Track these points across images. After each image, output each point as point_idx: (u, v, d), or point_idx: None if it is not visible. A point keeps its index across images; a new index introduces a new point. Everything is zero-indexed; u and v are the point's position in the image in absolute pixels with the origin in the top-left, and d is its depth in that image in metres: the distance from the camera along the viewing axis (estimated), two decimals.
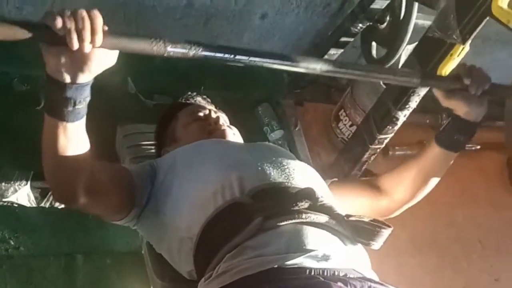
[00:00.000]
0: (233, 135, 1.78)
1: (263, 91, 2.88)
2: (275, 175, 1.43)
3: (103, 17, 1.00)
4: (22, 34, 0.96)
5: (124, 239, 2.19)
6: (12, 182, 1.97)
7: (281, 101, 2.83)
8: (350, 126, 2.67)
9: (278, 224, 1.27)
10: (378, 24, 2.29)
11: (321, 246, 1.25)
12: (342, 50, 2.50)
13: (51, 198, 2.02)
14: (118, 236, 2.19)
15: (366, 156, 2.19)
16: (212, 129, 1.75)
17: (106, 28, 1.01)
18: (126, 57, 2.70)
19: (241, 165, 1.46)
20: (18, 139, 2.19)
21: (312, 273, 1.16)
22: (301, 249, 1.22)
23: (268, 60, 1.27)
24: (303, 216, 1.30)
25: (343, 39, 2.46)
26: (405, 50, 2.14)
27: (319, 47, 2.67)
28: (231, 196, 1.36)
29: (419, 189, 1.59)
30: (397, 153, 2.89)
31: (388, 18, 2.26)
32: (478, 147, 3.15)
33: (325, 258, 1.22)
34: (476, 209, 3.00)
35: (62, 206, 2.04)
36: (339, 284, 1.13)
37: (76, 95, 1.06)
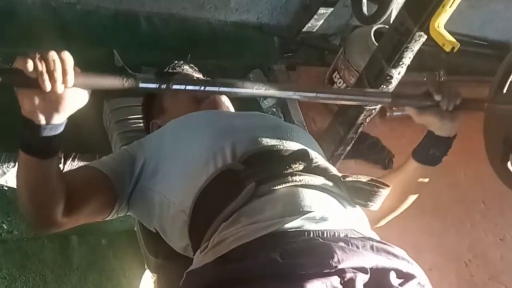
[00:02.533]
0: (223, 103, 1.74)
1: (253, 57, 2.84)
2: (267, 139, 1.40)
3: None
4: None
5: (118, 218, 2.14)
6: (0, 164, 1.93)
7: (273, 66, 2.79)
8: (345, 88, 2.61)
9: (272, 188, 1.25)
10: None
11: (318, 207, 1.22)
12: (332, 9, 2.43)
13: None
14: None
15: (361, 118, 2.12)
16: (201, 98, 1.71)
17: (78, 69, 1.03)
18: (111, 31, 2.64)
19: (232, 132, 1.44)
20: (3, 120, 2.14)
21: (311, 235, 1.14)
22: (298, 212, 1.19)
23: (239, 90, 1.25)
24: (298, 178, 1.27)
25: None
26: (396, 4, 2.06)
27: (308, 7, 2.58)
28: (223, 163, 1.33)
29: (400, 201, 1.56)
30: (395, 114, 2.83)
31: None
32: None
33: (324, 219, 1.19)
34: (478, 167, 2.94)
35: None
36: (341, 243, 1.11)
37: (51, 134, 1.07)
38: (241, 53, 2.81)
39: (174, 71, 1.89)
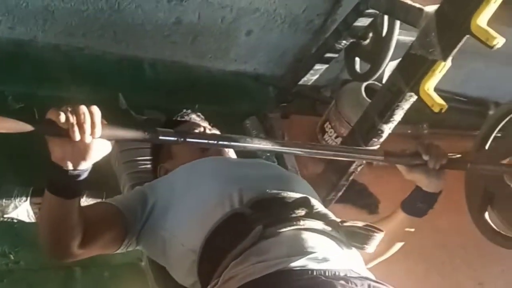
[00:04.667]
0: (227, 151, 1.86)
1: (250, 104, 2.98)
2: (271, 186, 1.52)
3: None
4: (30, 128, 1.09)
5: (120, 251, 2.24)
6: (12, 199, 2.03)
7: (268, 114, 2.91)
8: (336, 137, 2.77)
9: (278, 231, 1.36)
10: (361, 41, 2.38)
11: (320, 249, 1.33)
12: (327, 65, 2.59)
13: None
14: None
15: (353, 167, 2.26)
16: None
17: (104, 121, 1.14)
18: (117, 74, 2.77)
19: (239, 179, 1.55)
20: (16, 157, 2.25)
21: (315, 273, 1.24)
22: (302, 252, 1.30)
23: (247, 145, 1.39)
24: (301, 222, 1.39)
25: (328, 55, 2.54)
26: (389, 66, 2.22)
27: (303, 62, 2.75)
28: (230, 208, 1.44)
29: (387, 248, 1.67)
30: (381, 163, 2.98)
31: (371, 35, 2.35)
32: (459, 155, 3.24)
33: (325, 259, 1.29)
34: (460, 216, 3.09)
35: None
36: (341, 282, 1.22)
37: (76, 178, 1.18)
38: (238, 100, 2.95)
39: (182, 119, 2.02)
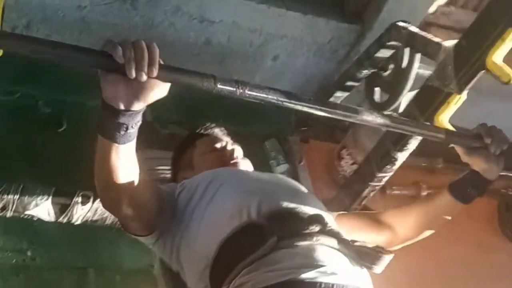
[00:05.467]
0: (245, 167, 1.91)
1: (271, 127, 3.03)
2: (288, 201, 1.54)
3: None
4: (85, 60, 1.04)
5: (133, 257, 2.31)
6: (34, 197, 2.09)
7: (288, 137, 2.98)
8: (352, 164, 2.82)
9: (291, 244, 1.39)
10: (382, 72, 2.45)
11: (330, 263, 1.36)
12: (347, 93, 2.65)
13: (69, 214, 2.14)
14: (127, 253, 2.31)
15: (366, 192, 2.32)
16: (227, 160, 1.88)
17: (162, 61, 1.07)
18: None
19: (258, 191, 1.58)
20: (41, 158, 2.34)
21: (323, 286, 1.27)
22: (312, 265, 1.33)
23: (305, 104, 1.34)
24: (314, 238, 1.42)
25: (349, 83, 2.61)
26: (406, 97, 2.28)
27: (326, 89, 2.82)
28: (248, 218, 1.47)
29: (422, 230, 1.66)
30: (394, 192, 3.04)
31: (391, 66, 2.42)
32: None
33: (334, 273, 1.32)
34: (464, 249, 3.13)
35: (78, 222, 2.17)
36: None
37: (129, 121, 1.11)
38: (259, 122, 2.99)
39: (205, 132, 2.09)
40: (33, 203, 2.09)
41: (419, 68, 2.28)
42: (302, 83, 3.04)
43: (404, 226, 1.68)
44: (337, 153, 2.98)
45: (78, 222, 2.17)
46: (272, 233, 1.40)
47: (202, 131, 2.08)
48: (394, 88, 2.35)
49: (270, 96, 1.28)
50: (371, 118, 1.37)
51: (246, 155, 2.00)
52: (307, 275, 1.30)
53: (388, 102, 2.39)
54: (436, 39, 2.07)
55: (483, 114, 3.44)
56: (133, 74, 1.02)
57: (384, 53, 2.40)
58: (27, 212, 2.10)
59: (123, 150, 1.18)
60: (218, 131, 2.09)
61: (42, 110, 2.55)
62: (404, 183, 3.08)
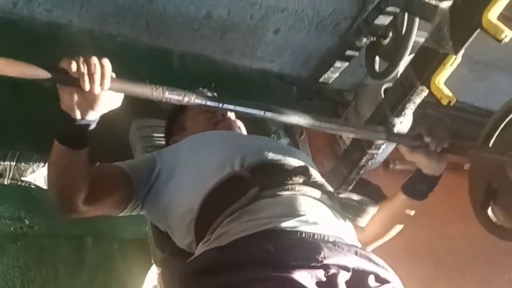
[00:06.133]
0: (238, 128, 1.92)
1: (272, 101, 2.95)
2: (273, 155, 1.57)
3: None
4: (43, 74, 1.14)
5: (130, 227, 2.33)
6: (31, 163, 2.09)
7: None
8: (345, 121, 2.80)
9: (273, 193, 1.41)
10: (382, 40, 2.43)
11: (312, 213, 1.37)
12: (347, 64, 2.63)
13: None
14: (125, 223, 2.33)
15: (364, 160, 2.30)
16: (219, 120, 1.90)
17: (114, 75, 1.17)
18: (146, 63, 2.84)
19: (242, 147, 1.60)
20: (41, 129, 2.33)
21: (304, 235, 1.28)
22: (294, 215, 1.34)
23: (251, 110, 1.40)
24: (297, 188, 1.43)
25: (348, 52, 2.59)
26: (404, 63, 2.26)
27: (327, 61, 2.80)
28: (231, 170, 1.49)
29: (387, 229, 1.69)
30: (397, 167, 3.02)
31: (391, 34, 2.39)
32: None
33: (316, 223, 1.33)
34: (470, 224, 3.08)
35: None
36: (329, 245, 1.26)
37: (84, 129, 1.22)
38: (261, 96, 2.97)
39: None
40: (30, 169, 2.10)
41: (417, 37, 2.25)
42: (304, 58, 3.02)
43: (371, 228, 1.68)
44: None
45: None
46: (254, 184, 1.42)
47: None
48: (393, 55, 2.33)
49: (216, 104, 1.35)
50: (309, 121, 1.48)
51: (247, 130, 2.01)
52: (288, 224, 1.31)
53: (388, 70, 2.37)
54: (433, 1, 2.04)
55: (488, 88, 3.43)
56: (87, 87, 1.12)
57: (383, 20, 2.38)
58: (24, 179, 2.10)
59: (77, 155, 1.27)
60: (209, 95, 2.08)
61: (43, 83, 2.55)
62: None
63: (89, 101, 1.16)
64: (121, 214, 1.61)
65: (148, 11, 2.62)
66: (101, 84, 1.14)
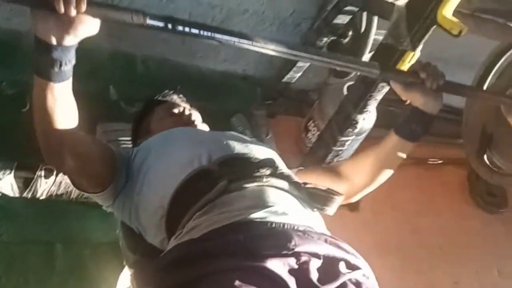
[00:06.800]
0: (200, 126, 1.95)
1: (237, 102, 3.05)
2: (239, 148, 1.59)
3: None
4: None
5: (101, 230, 2.32)
6: None
7: (254, 112, 3.00)
8: (318, 135, 2.84)
9: (242, 186, 1.42)
10: (342, 39, 2.48)
11: (281, 204, 1.38)
12: (309, 63, 2.67)
13: (33, 188, 2.15)
14: (95, 227, 2.33)
15: (329, 157, 2.35)
16: (184, 124, 1.90)
17: None
18: (110, 68, 2.85)
19: (209, 142, 1.61)
20: (5, 136, 2.34)
21: (274, 225, 1.29)
22: (262, 206, 1.35)
23: (232, 38, 1.31)
24: (265, 180, 1.45)
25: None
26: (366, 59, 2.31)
27: (289, 61, 2.84)
28: (199, 165, 1.50)
29: (377, 175, 1.68)
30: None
31: (350, 33, 2.45)
32: (441, 161, 3.36)
33: (285, 213, 1.35)
34: (438, 218, 3.18)
35: (43, 196, 2.18)
36: (299, 233, 1.27)
37: (62, 56, 1.15)
38: (226, 98, 3.02)
39: (163, 99, 2.10)
40: None
41: (376, 34, 2.31)
42: (267, 58, 3.05)
43: (360, 175, 1.70)
44: (304, 125, 3.01)
45: (43, 196, 2.19)
46: (222, 177, 1.43)
47: (159, 98, 2.09)
48: (354, 54, 2.38)
49: (202, 33, 1.26)
50: (302, 53, 1.40)
51: (214, 130, 1.99)
52: (257, 215, 1.32)
53: None
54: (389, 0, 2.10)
55: None
56: (62, 9, 1.06)
57: (342, 19, 2.43)
58: None
59: (59, 89, 1.21)
60: (176, 98, 2.11)
61: (5, 91, 2.56)
62: None
63: (64, 24, 1.10)
64: (97, 195, 1.59)
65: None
66: (77, 6, 1.07)
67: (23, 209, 2.26)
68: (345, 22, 2.44)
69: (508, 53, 2.16)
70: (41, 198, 2.19)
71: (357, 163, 1.74)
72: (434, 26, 1.90)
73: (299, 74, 2.79)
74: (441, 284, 2.99)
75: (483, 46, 2.24)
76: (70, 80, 1.23)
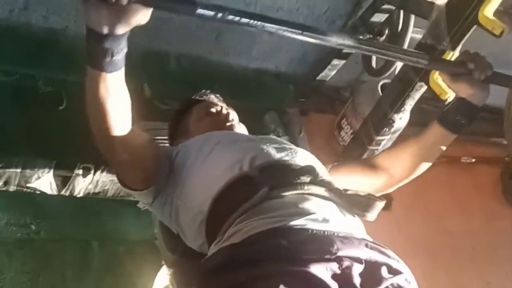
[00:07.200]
0: (240, 130, 1.93)
1: (270, 100, 3.05)
2: (280, 155, 1.57)
3: None
4: None
5: (136, 229, 2.35)
6: (36, 169, 2.12)
7: (287, 109, 2.99)
8: (351, 133, 2.83)
9: (282, 194, 1.42)
10: (378, 37, 2.46)
11: (322, 211, 1.37)
12: (344, 61, 2.66)
13: (70, 187, 2.17)
14: (131, 225, 2.36)
15: (364, 156, 2.34)
16: (222, 124, 1.89)
17: None
18: (143, 65, 2.87)
19: (250, 147, 1.60)
20: (43, 134, 2.37)
21: (314, 232, 1.28)
22: (303, 213, 1.34)
23: (282, 28, 1.29)
24: (305, 187, 1.44)
25: (345, 50, 2.62)
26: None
27: (324, 58, 2.83)
28: (239, 171, 1.49)
29: (416, 167, 1.66)
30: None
31: (387, 31, 2.43)
32: (473, 160, 3.32)
33: (325, 220, 1.34)
34: (469, 218, 3.15)
35: (81, 194, 2.20)
36: (340, 238, 1.26)
37: (114, 46, 1.13)
38: (258, 96, 3.02)
39: (201, 98, 2.11)
40: (35, 176, 2.12)
41: (414, 33, 2.29)
42: (300, 56, 3.04)
43: (398, 166, 1.68)
44: (337, 123, 2.99)
45: (80, 194, 2.20)
46: (264, 183, 1.43)
47: (197, 98, 2.09)
48: None
49: (252, 21, 1.24)
50: (350, 42, 1.35)
51: (247, 129, 2.00)
52: (297, 222, 1.31)
53: (385, 67, 2.40)
54: None
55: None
56: None
57: (379, 17, 2.41)
58: (29, 185, 2.12)
59: (111, 79, 1.19)
60: (213, 97, 2.11)
61: (42, 89, 2.58)
62: None
63: (116, 13, 1.09)
64: (140, 192, 1.58)
65: None
66: None
67: (61, 207, 2.29)
68: (381, 21, 2.42)
69: None
70: (78, 196, 2.20)
71: (396, 154, 1.71)
72: (475, 26, 1.88)
73: (333, 72, 2.78)
74: (472, 285, 2.96)
75: None
76: (123, 70, 1.21)
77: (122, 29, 1.12)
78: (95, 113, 1.26)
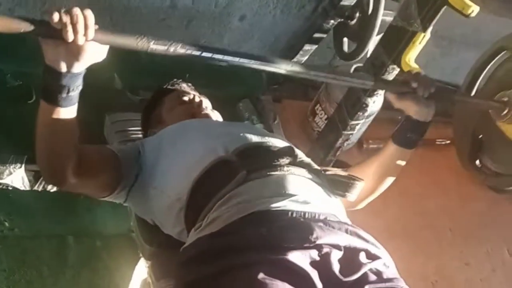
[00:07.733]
0: (214, 117, 1.93)
1: (243, 88, 3.01)
2: (256, 138, 1.58)
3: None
4: (25, 27, 1.10)
5: (113, 223, 2.32)
6: (7, 165, 2.09)
7: (261, 97, 2.97)
8: (326, 119, 2.83)
9: (262, 175, 1.42)
10: (349, 21, 2.45)
11: (302, 192, 1.38)
12: (316, 46, 2.65)
13: (43, 182, 2.13)
14: (107, 219, 2.32)
15: (339, 142, 2.34)
16: (195, 112, 1.89)
17: (97, 26, 1.14)
18: (112, 55, 2.83)
19: (223, 134, 1.60)
20: (12, 129, 2.32)
21: (294, 215, 1.29)
22: (283, 194, 1.35)
23: (240, 60, 1.44)
24: (285, 169, 1.45)
25: (316, 35, 2.61)
26: (373, 43, 2.29)
27: (295, 44, 2.81)
28: (216, 157, 1.49)
29: (379, 183, 1.71)
30: (371, 146, 3.06)
31: (357, 14, 2.42)
32: (448, 142, 3.34)
33: (306, 202, 1.35)
34: (447, 200, 3.17)
35: (54, 189, 2.16)
36: (320, 224, 1.27)
37: (70, 83, 1.19)
38: (232, 84, 2.98)
39: (172, 87, 2.09)
40: (7, 171, 2.09)
41: (384, 16, 2.28)
42: (271, 42, 3.01)
43: (365, 180, 1.68)
44: (311, 109, 2.99)
45: (54, 189, 2.17)
46: (242, 167, 1.44)
47: (168, 87, 2.07)
48: (361, 36, 2.35)
49: (203, 54, 1.35)
50: (298, 69, 1.47)
51: (221, 117, 2.00)
52: (278, 204, 1.32)
53: (357, 50, 2.39)
54: None
55: (456, 64, 3.49)
56: (71, 37, 1.10)
57: (349, 1, 2.40)
58: (1, 181, 2.09)
59: (65, 114, 1.24)
60: (185, 85, 2.10)
61: (11, 83, 2.53)
62: (381, 137, 3.10)
63: (73, 52, 1.14)
64: (106, 198, 1.60)
65: (111, 4, 2.58)
66: (85, 34, 1.11)
67: (34, 203, 2.25)
68: (352, 4, 2.41)
69: (496, 58, 2.19)
70: (52, 191, 2.17)
71: (363, 169, 1.74)
72: (445, 7, 1.88)
73: (305, 58, 2.76)
74: (452, 266, 2.97)
75: (487, 24, 2.22)
76: (76, 104, 1.26)
77: (79, 68, 1.18)
78: (44, 143, 1.31)
